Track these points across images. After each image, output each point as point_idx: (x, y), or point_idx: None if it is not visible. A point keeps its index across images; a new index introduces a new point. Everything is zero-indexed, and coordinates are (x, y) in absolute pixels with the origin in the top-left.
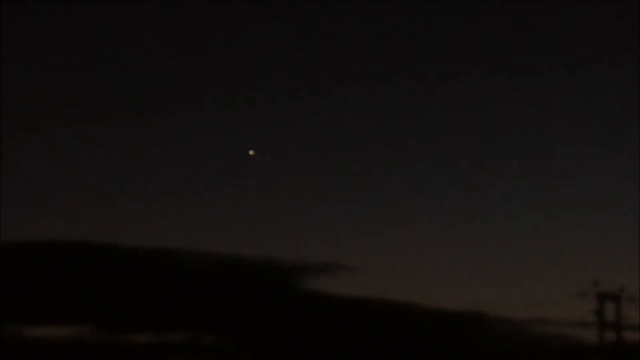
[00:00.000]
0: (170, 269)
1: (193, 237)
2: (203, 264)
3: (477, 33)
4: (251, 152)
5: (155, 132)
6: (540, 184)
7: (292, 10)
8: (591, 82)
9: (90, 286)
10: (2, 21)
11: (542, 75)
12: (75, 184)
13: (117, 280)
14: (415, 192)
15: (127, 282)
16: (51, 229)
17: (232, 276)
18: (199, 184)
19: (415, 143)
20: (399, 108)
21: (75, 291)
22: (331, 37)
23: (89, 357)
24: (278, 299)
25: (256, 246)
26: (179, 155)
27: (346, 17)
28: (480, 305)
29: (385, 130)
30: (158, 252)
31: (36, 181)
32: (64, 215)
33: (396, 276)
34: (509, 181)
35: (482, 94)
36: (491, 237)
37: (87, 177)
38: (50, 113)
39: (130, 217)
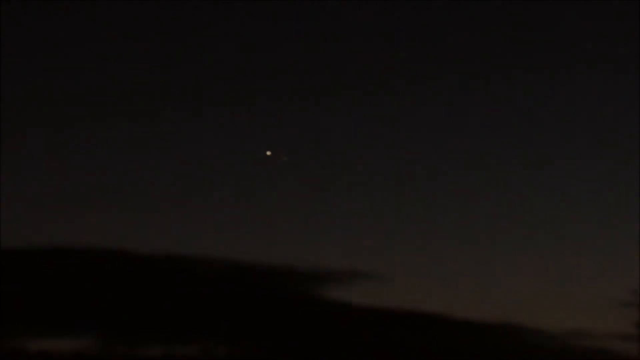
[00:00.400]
0: (181, 278)
1: (204, 243)
2: (215, 272)
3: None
4: (268, 153)
5: (161, 133)
6: (577, 190)
7: (307, 8)
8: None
9: (96, 296)
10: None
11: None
12: (78, 187)
13: (125, 290)
14: (443, 196)
15: (136, 291)
16: (53, 234)
17: (246, 285)
18: (209, 187)
19: (444, 145)
20: (424, 112)
21: (80, 302)
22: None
23: None
24: (296, 309)
25: (272, 252)
26: (188, 156)
27: (363, 16)
28: (514, 316)
29: (413, 132)
30: (168, 260)
31: (37, 184)
32: (66, 221)
33: (423, 285)
34: (544, 186)
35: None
36: (526, 243)
37: (91, 180)
38: (50, 113)
39: (137, 222)
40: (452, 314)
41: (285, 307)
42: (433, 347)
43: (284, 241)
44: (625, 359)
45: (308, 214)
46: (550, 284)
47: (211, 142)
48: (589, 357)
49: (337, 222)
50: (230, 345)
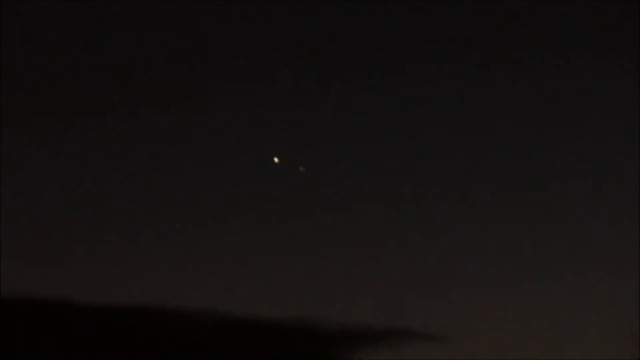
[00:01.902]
0: (152, 336)
1: (193, 293)
2: (208, 328)
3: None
4: (276, 160)
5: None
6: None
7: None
8: None
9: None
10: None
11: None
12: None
13: (99, 349)
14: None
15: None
16: (25, 284)
17: (244, 347)
18: (194, 213)
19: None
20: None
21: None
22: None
23: None
24: None
25: (279, 304)
26: (173, 167)
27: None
28: None
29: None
30: (148, 314)
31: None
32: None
33: (484, 344)
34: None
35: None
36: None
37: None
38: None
39: (108, 269)
40: None
41: None
42: None
43: (298, 291)
44: None
45: (329, 256)
46: None
47: (205, 147)
48: None
49: (368, 264)
50: None
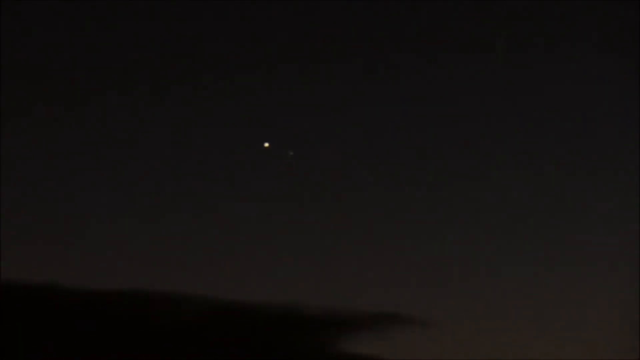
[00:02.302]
0: (159, 320)
1: (181, 279)
2: (197, 314)
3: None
4: (266, 145)
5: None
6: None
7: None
8: None
9: (62, 340)
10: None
11: None
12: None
13: (93, 335)
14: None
15: (106, 337)
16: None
17: (233, 332)
18: (184, 199)
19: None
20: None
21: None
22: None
23: None
24: None
25: (269, 289)
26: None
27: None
28: None
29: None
30: (142, 299)
31: None
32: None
33: (480, 332)
34: None
35: None
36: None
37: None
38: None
39: (105, 254)
40: None
41: None
42: None
43: (287, 275)
44: None
45: (320, 238)
46: None
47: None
48: None
49: (361, 246)
50: None
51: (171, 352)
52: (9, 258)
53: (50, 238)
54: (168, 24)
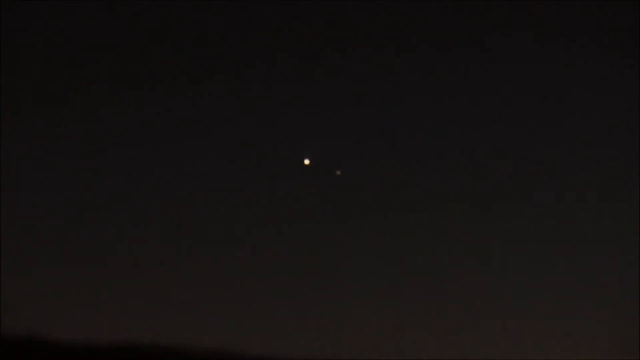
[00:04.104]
0: None
1: (173, 330)
2: None
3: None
4: (306, 162)
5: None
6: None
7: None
8: None
9: None
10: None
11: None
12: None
13: None
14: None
15: None
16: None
17: None
18: (183, 243)
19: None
20: None
21: None
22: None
23: None
24: None
25: (273, 341)
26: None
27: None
28: None
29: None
30: (124, 352)
31: None
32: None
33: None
34: None
35: None
36: None
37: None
38: None
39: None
40: None
41: None
42: None
43: (290, 327)
44: None
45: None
46: None
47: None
48: None
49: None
50: None
51: None
52: None
53: (29, 284)
54: (189, 22)
